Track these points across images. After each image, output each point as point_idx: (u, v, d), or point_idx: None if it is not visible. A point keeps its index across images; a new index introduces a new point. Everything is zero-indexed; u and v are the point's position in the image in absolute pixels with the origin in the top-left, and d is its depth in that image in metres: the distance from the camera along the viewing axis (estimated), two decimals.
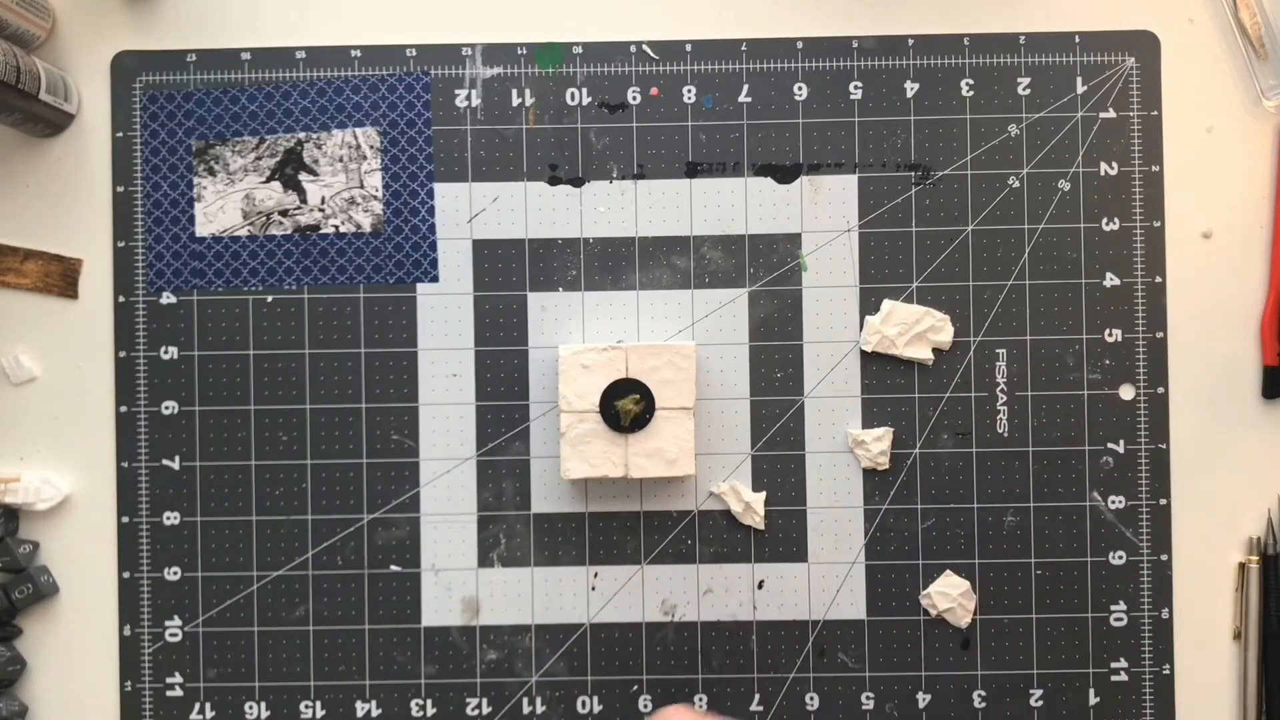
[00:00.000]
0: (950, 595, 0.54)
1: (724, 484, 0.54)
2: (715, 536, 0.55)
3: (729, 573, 0.55)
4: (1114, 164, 0.55)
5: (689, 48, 0.55)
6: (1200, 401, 0.55)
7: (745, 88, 0.55)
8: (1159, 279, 0.55)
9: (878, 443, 0.54)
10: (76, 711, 0.55)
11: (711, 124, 0.55)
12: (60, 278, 0.55)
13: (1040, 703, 0.54)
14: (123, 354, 0.55)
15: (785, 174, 0.55)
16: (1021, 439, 0.55)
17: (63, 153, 0.55)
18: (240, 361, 0.55)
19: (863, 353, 0.55)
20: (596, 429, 0.52)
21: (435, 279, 0.55)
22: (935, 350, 0.55)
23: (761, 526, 0.54)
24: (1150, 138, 0.55)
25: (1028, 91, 0.55)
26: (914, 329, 0.54)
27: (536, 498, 0.55)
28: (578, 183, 0.55)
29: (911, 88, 0.55)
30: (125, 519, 0.55)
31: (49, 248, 0.55)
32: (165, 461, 0.55)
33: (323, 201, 0.55)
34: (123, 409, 0.55)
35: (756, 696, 0.54)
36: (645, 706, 0.54)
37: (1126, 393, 0.55)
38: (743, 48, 0.55)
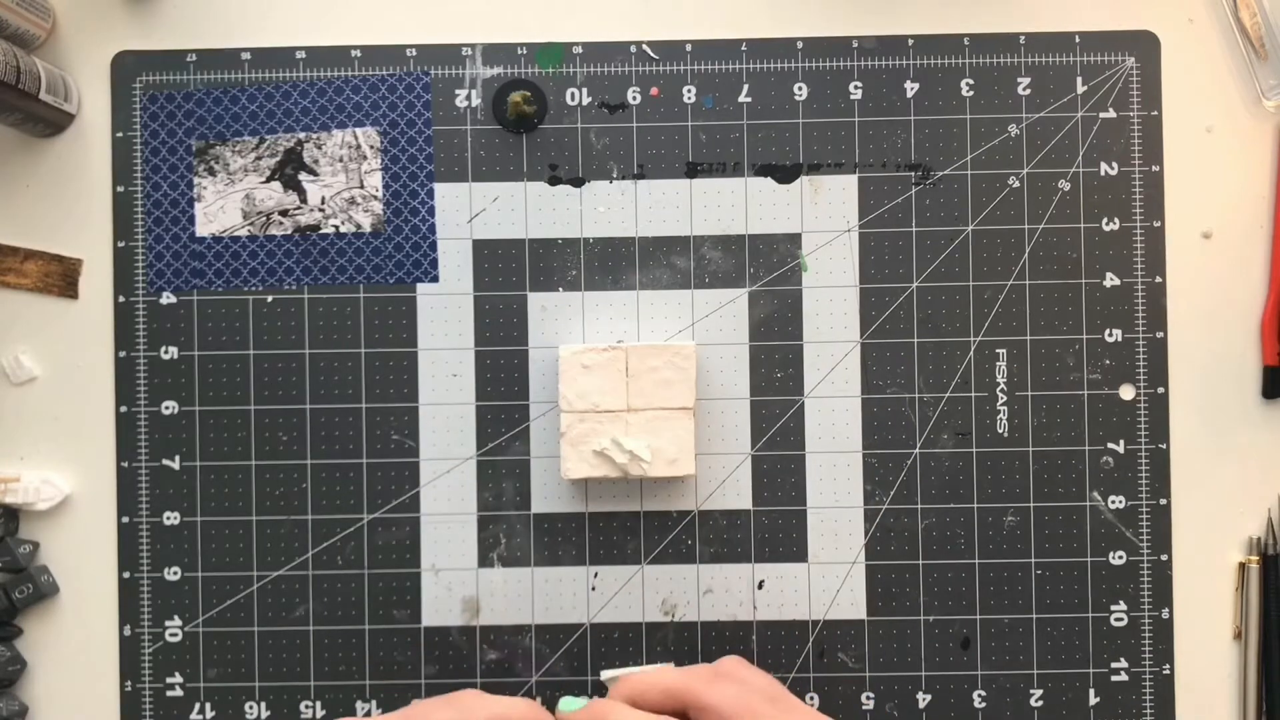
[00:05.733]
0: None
1: (606, 440, 0.53)
2: (715, 536, 0.55)
3: (729, 573, 0.55)
4: (1114, 164, 0.55)
5: (689, 48, 0.55)
6: (1200, 401, 0.55)
7: (745, 88, 0.55)
8: (1159, 279, 0.55)
9: None
10: (76, 711, 0.55)
11: (711, 124, 0.55)
12: (60, 278, 0.55)
13: (1040, 703, 0.54)
14: (123, 354, 0.55)
15: (785, 174, 0.55)
16: (1021, 439, 0.55)
17: (63, 153, 0.55)
18: (240, 361, 0.55)
19: (863, 351, 0.55)
20: (597, 429, 0.52)
21: (435, 279, 0.55)
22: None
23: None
24: (1150, 138, 0.55)
25: (1028, 91, 0.55)
26: None
27: (536, 498, 0.55)
28: (578, 183, 0.55)
29: (911, 88, 0.55)
30: (125, 519, 0.55)
31: (49, 248, 0.55)
32: (165, 461, 0.55)
33: (323, 201, 0.55)
34: (123, 409, 0.55)
35: None
36: None
37: (1126, 393, 0.55)
38: (743, 48, 0.55)
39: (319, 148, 0.55)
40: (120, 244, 0.55)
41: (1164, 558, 0.55)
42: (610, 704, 0.46)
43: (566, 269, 0.55)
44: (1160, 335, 0.55)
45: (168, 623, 0.55)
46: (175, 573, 0.55)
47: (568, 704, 0.47)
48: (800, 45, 0.55)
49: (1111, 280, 0.55)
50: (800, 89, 0.55)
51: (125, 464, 0.55)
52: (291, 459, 0.55)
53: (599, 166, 0.55)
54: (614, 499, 0.55)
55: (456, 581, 0.55)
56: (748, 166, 0.55)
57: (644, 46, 0.55)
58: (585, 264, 0.55)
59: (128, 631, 0.55)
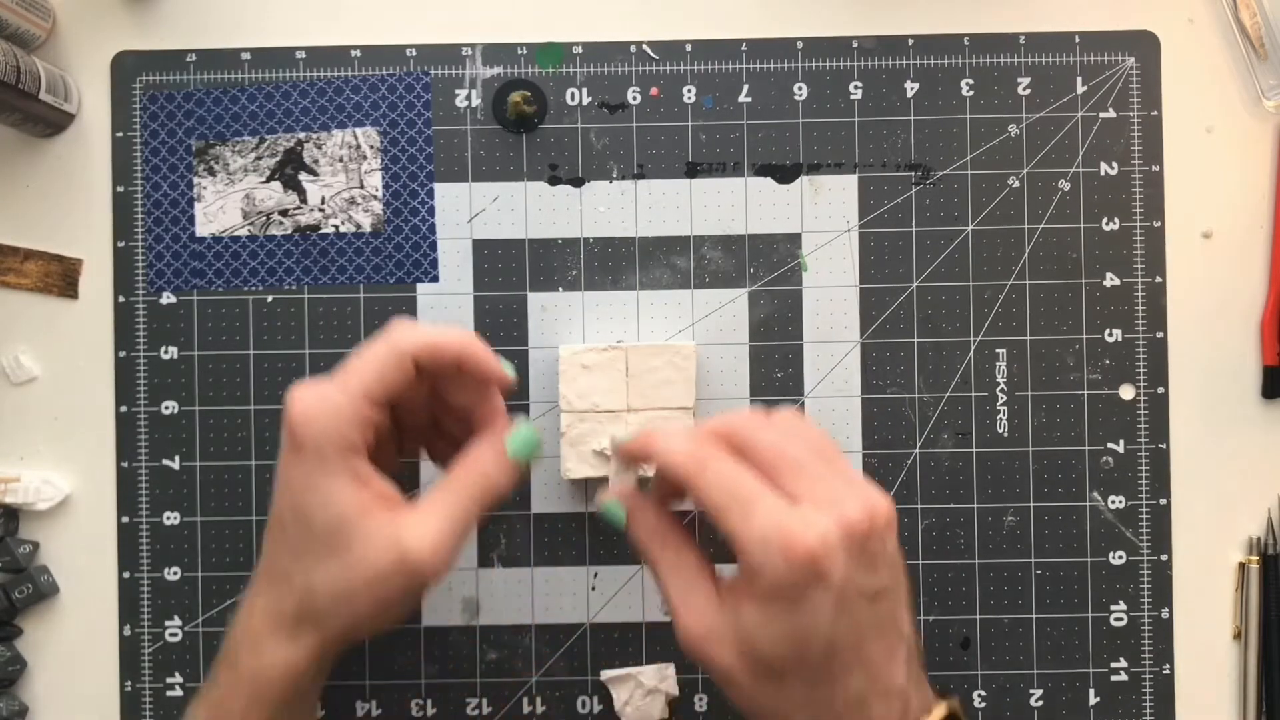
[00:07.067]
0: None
1: (606, 440, 0.52)
2: (715, 536, 0.55)
3: (729, 572, 0.54)
4: (1114, 164, 0.55)
5: (689, 48, 0.55)
6: (1200, 401, 0.55)
7: (745, 88, 0.55)
8: (1159, 279, 0.55)
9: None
10: (76, 711, 0.55)
11: (711, 124, 0.55)
12: (60, 278, 0.55)
13: (1040, 703, 0.54)
14: (123, 354, 0.55)
15: (785, 174, 0.55)
16: (1021, 439, 0.55)
17: (63, 153, 0.55)
18: (240, 361, 0.55)
19: (863, 351, 0.55)
20: (597, 429, 0.52)
21: (435, 279, 0.55)
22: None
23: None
24: (1150, 138, 0.55)
25: (1028, 91, 0.55)
26: None
27: (536, 498, 0.55)
28: (578, 183, 0.55)
29: (911, 88, 0.55)
30: (125, 519, 0.55)
31: (49, 248, 0.55)
32: (165, 461, 0.55)
33: (323, 201, 0.55)
34: (123, 409, 0.55)
35: None
36: None
37: (1126, 393, 0.55)
38: (743, 48, 0.55)
39: (319, 148, 0.55)
40: (120, 244, 0.55)
41: (1164, 558, 0.55)
42: (655, 430, 0.44)
43: (566, 269, 0.55)
44: (1160, 335, 0.55)
45: (168, 623, 0.55)
46: (175, 573, 0.55)
47: (613, 509, 0.45)
48: (800, 45, 0.55)
49: (1111, 280, 0.55)
50: (800, 89, 0.55)
51: (125, 464, 0.55)
52: None
53: (599, 166, 0.55)
54: None
55: (456, 581, 0.55)
56: (748, 166, 0.55)
57: (644, 46, 0.55)
58: (585, 264, 0.55)
59: (128, 631, 0.55)
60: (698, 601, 0.42)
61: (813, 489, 0.41)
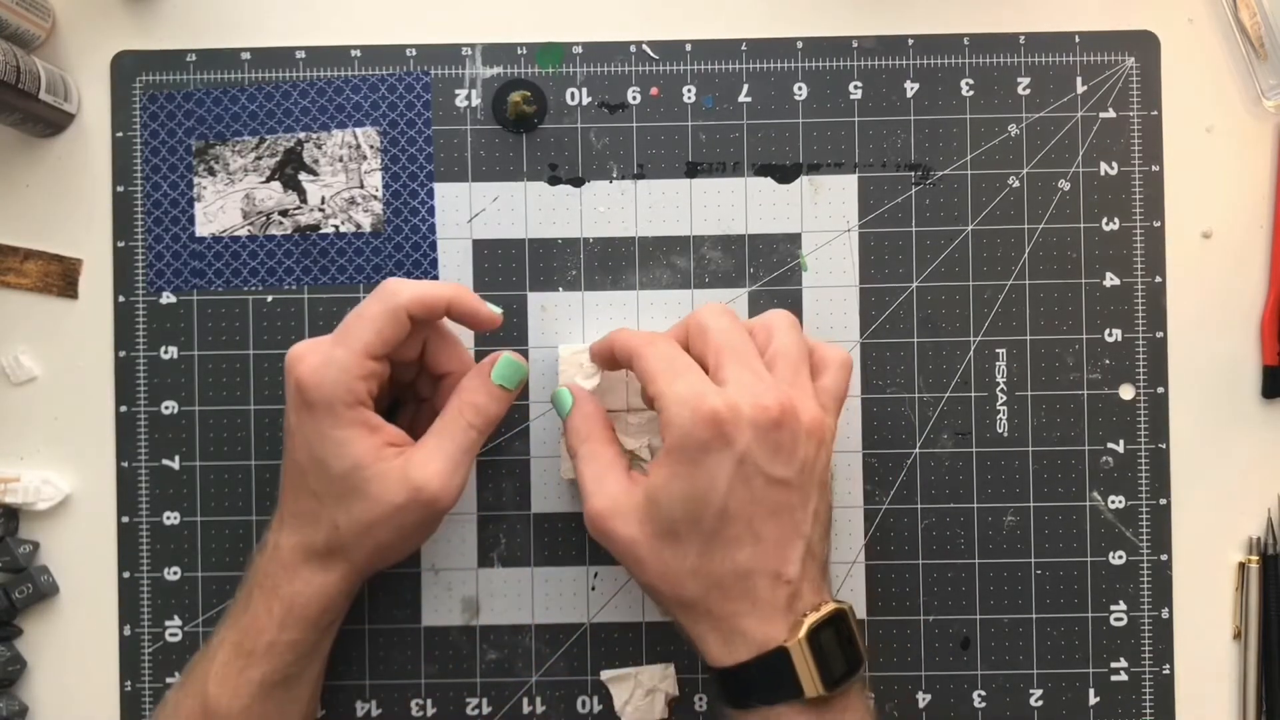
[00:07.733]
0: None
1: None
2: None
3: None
4: (1114, 164, 0.55)
5: (689, 48, 0.55)
6: (1200, 401, 0.55)
7: (745, 88, 0.55)
8: (1159, 279, 0.55)
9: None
10: (76, 711, 0.55)
11: (711, 124, 0.55)
12: (60, 278, 0.55)
13: (1040, 703, 0.54)
14: (123, 354, 0.55)
15: (785, 174, 0.55)
16: (1021, 439, 0.55)
17: (63, 153, 0.55)
18: (240, 361, 0.55)
19: (863, 351, 0.55)
20: None
21: (435, 279, 0.55)
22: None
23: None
24: (1150, 138, 0.55)
25: (1028, 91, 0.55)
26: None
27: (536, 498, 0.55)
28: (578, 183, 0.55)
29: (911, 88, 0.55)
30: (125, 519, 0.55)
31: (49, 248, 0.55)
32: (165, 461, 0.55)
33: (323, 201, 0.55)
34: (123, 409, 0.55)
35: None
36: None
37: (1126, 393, 0.55)
38: (743, 48, 0.55)
39: (319, 148, 0.55)
40: (120, 244, 0.55)
41: (1164, 558, 0.55)
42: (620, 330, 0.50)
43: (566, 269, 0.55)
44: (1160, 335, 0.55)
45: (168, 623, 0.55)
46: (175, 573, 0.55)
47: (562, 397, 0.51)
48: (800, 45, 0.55)
49: (1111, 280, 0.55)
50: (800, 89, 0.55)
51: (125, 464, 0.55)
52: None
53: (599, 166, 0.55)
54: None
55: (456, 581, 0.55)
56: (748, 166, 0.55)
57: (644, 46, 0.55)
58: (585, 264, 0.55)
59: (128, 631, 0.55)
60: (608, 485, 0.46)
61: (739, 376, 0.44)
